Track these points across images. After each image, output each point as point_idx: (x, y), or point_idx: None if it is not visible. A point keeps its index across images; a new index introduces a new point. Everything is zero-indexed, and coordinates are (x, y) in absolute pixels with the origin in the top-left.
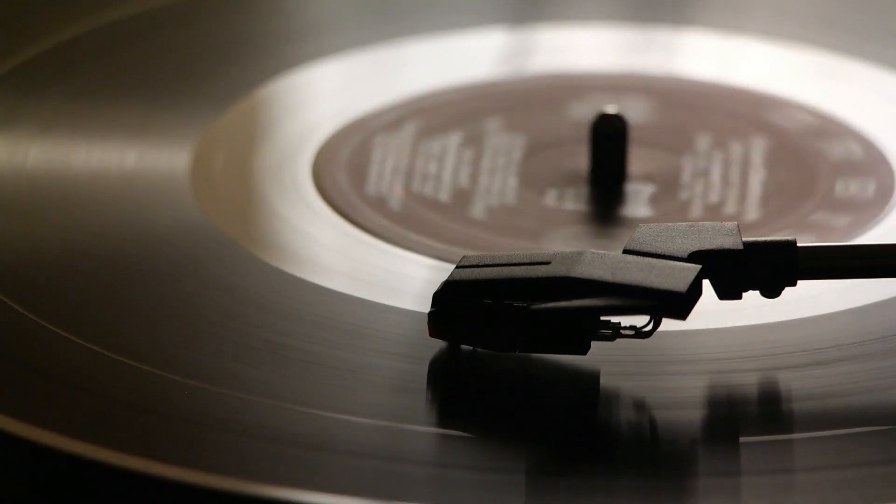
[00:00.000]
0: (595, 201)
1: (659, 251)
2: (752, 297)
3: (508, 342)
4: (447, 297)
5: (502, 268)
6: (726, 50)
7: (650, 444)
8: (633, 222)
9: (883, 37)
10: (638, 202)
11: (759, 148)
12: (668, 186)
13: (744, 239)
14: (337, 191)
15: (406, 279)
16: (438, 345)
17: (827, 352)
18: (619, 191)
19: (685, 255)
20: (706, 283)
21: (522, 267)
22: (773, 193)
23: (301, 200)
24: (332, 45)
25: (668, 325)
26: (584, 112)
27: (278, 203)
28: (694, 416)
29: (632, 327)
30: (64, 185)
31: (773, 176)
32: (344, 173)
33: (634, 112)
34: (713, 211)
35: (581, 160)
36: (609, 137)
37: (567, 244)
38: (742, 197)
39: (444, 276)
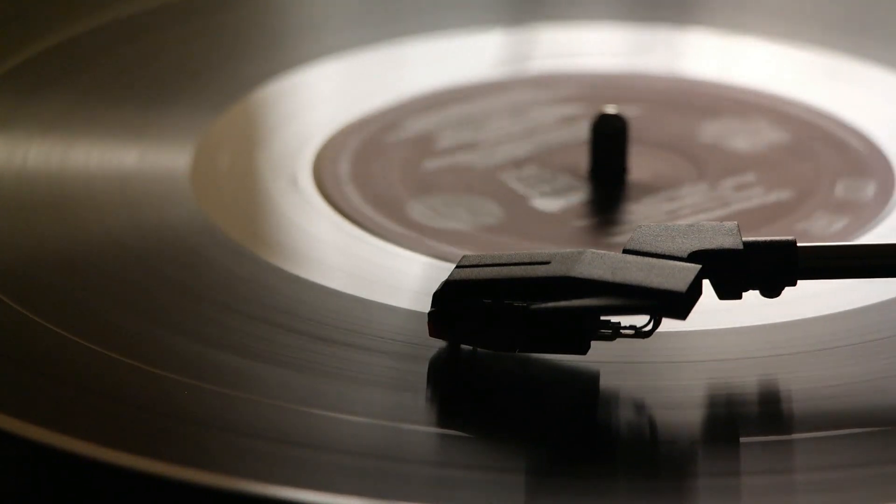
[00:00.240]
0: (595, 201)
1: (659, 251)
2: (752, 297)
3: (508, 342)
4: (447, 297)
5: (502, 268)
6: (728, 49)
7: (650, 444)
8: (633, 222)
9: (884, 37)
10: (638, 202)
11: (759, 147)
12: (668, 186)
13: (744, 239)
14: (337, 190)
15: (406, 279)
16: (438, 345)
17: (827, 352)
18: (619, 191)
19: (685, 254)
20: (706, 283)
21: (522, 267)
22: (774, 193)
23: (302, 200)
24: (332, 45)
25: (668, 325)
26: (584, 112)
27: (279, 203)
28: (694, 416)
29: (632, 327)
30: (64, 185)
31: (773, 176)
32: (344, 173)
33: (634, 112)
34: (713, 211)
35: (581, 160)
36: (609, 137)
37: (567, 244)
38: (742, 197)
39: (444, 276)
